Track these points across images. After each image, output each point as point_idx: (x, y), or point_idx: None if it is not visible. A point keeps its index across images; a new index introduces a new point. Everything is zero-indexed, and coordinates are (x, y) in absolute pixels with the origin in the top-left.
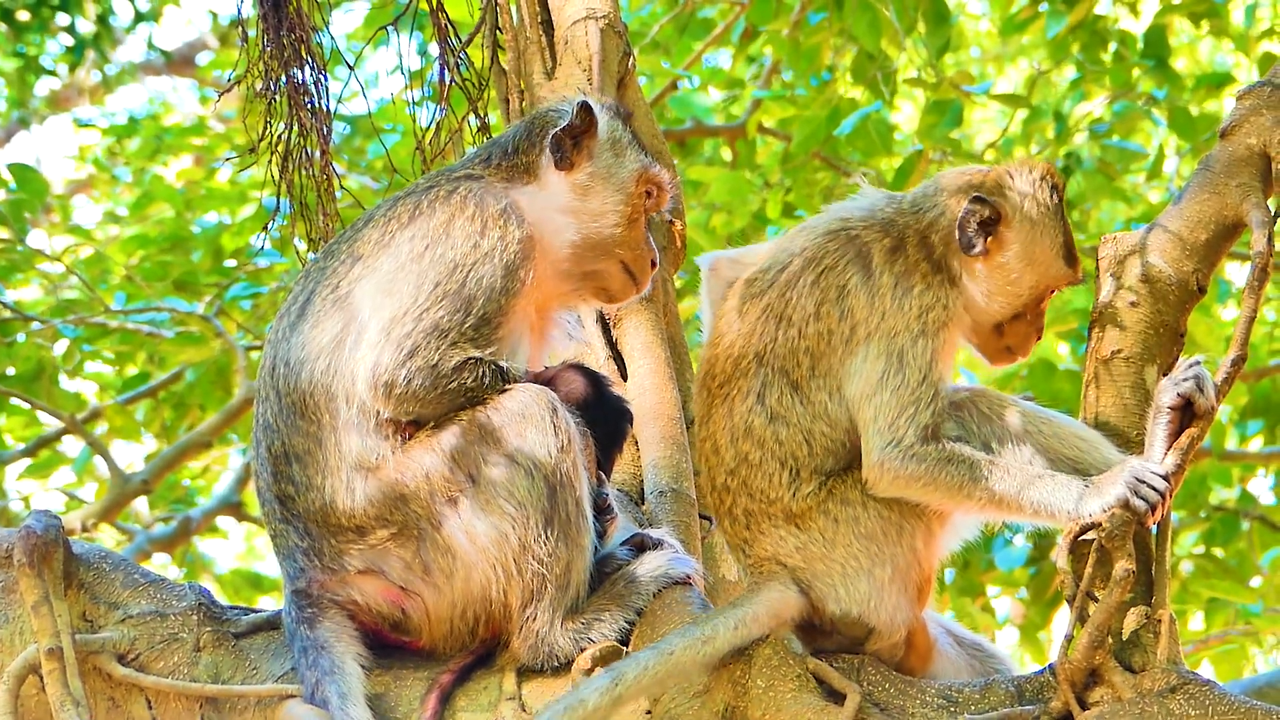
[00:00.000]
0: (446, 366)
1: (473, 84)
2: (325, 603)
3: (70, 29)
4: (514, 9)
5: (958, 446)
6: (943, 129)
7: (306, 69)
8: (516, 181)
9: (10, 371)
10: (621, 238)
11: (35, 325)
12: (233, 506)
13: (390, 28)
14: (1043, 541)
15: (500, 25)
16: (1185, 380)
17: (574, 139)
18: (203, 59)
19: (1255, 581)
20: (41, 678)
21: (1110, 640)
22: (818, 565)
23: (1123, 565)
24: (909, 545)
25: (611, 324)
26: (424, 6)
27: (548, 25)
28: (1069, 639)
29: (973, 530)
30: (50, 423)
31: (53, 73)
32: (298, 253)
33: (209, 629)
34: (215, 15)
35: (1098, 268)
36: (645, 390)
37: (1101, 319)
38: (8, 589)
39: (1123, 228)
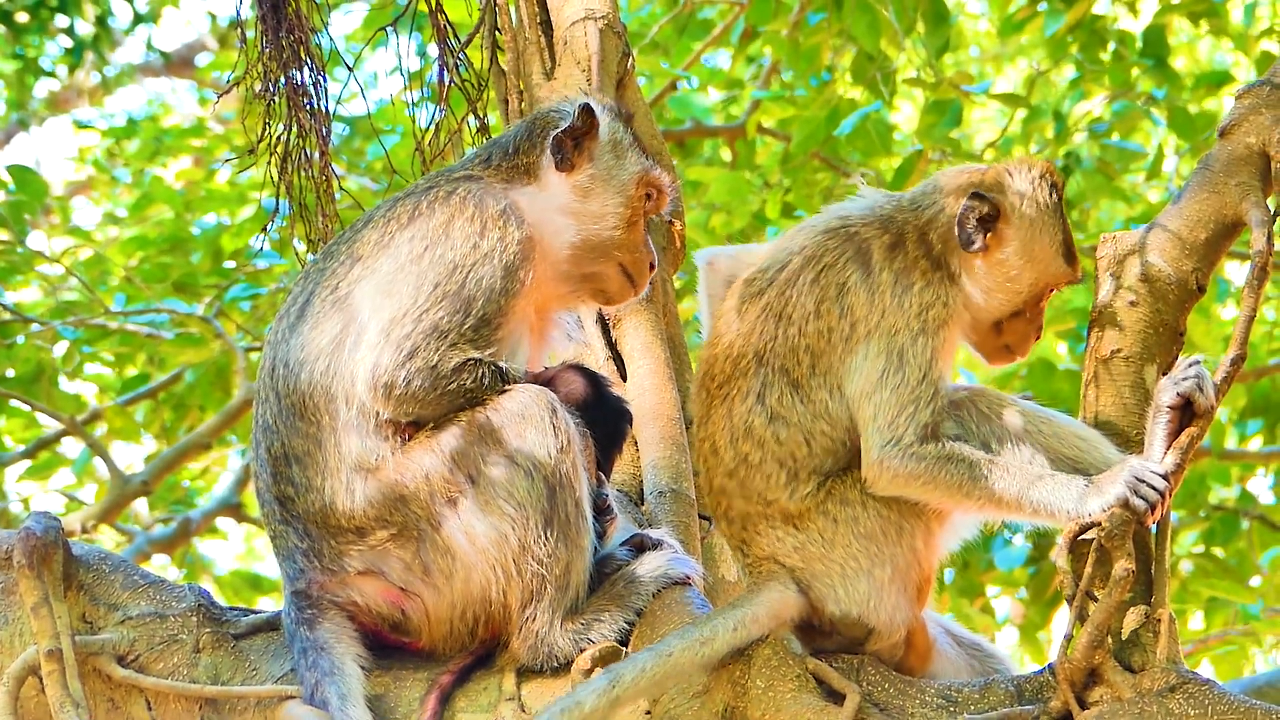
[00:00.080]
0: (446, 367)
1: (472, 85)
2: (325, 604)
3: (69, 30)
4: (513, 10)
5: (957, 445)
6: (942, 129)
7: (305, 70)
8: (516, 182)
9: (10, 373)
10: (621, 240)
11: (35, 327)
12: (232, 508)
13: (389, 29)
14: (1042, 541)
15: (499, 26)
16: (1185, 379)
17: (575, 140)
18: (202, 60)
19: (1255, 581)
20: (41, 679)
21: (1110, 640)
22: (817, 565)
23: (1122, 565)
24: (908, 545)
25: (611, 324)
26: (423, 7)
27: (547, 26)
28: (1068, 639)
29: (972, 530)
30: (50, 424)
31: (52, 74)
32: (297, 254)
33: (209, 630)
34: (214, 16)
35: (1097, 267)
36: (645, 390)
37: (1101, 318)
38: (7, 591)
39: (1122, 227)
